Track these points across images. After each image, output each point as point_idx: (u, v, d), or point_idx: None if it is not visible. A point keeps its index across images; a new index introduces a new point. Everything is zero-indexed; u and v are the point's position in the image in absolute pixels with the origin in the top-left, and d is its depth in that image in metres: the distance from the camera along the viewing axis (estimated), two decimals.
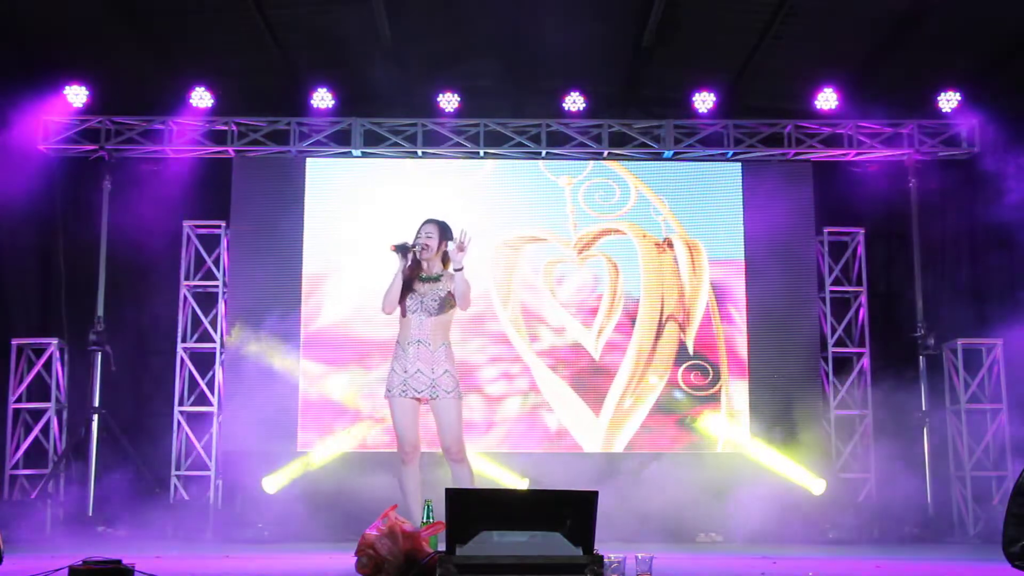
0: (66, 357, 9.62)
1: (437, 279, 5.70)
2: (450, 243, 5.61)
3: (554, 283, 9.77)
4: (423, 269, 5.73)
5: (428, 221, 5.81)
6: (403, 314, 5.70)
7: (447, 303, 5.68)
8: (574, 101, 9.95)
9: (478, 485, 6.22)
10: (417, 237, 5.75)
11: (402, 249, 5.66)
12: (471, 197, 9.75)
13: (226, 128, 9.89)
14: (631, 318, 9.73)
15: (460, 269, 5.56)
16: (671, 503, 8.92)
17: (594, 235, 9.85)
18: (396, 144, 9.93)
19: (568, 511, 3.92)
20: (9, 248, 9.81)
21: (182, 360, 9.71)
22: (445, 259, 5.75)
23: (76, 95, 9.70)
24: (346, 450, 9.42)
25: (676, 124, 10.00)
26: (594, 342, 9.69)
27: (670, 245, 9.83)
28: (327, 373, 9.57)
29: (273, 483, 9.25)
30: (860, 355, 9.95)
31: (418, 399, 5.67)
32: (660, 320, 9.72)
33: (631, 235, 9.85)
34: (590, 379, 9.65)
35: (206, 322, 9.76)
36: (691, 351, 9.67)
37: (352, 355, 9.56)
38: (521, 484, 9.01)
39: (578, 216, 9.89)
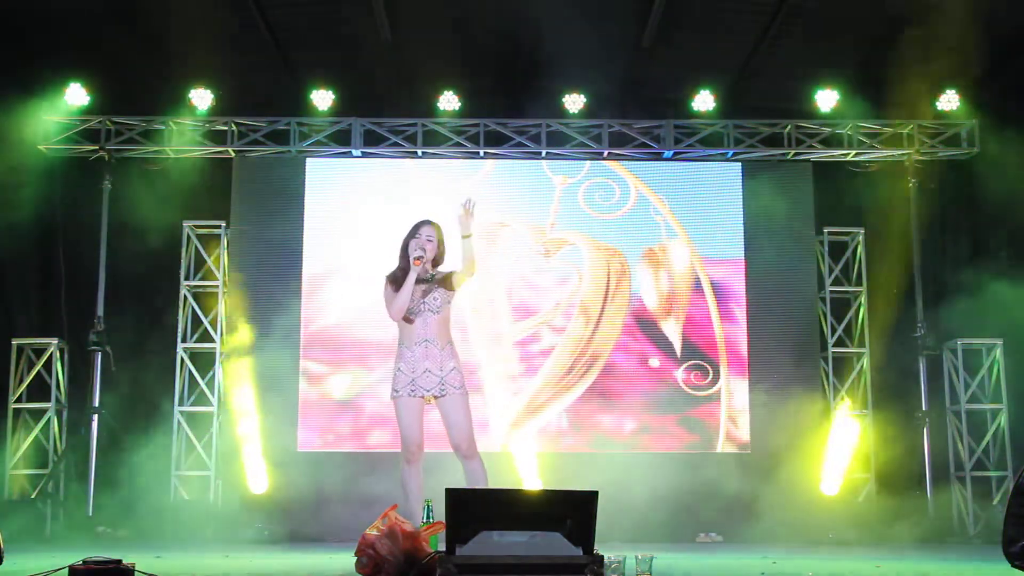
0: (66, 357, 9.63)
1: (433, 278, 5.71)
2: (460, 208, 5.59)
3: (514, 274, 9.75)
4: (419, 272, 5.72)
5: (427, 223, 5.78)
6: (408, 317, 5.69)
7: (448, 288, 5.69)
8: (574, 101, 9.95)
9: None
10: (415, 236, 5.72)
11: (421, 258, 5.63)
12: (471, 197, 9.72)
13: (226, 128, 9.89)
14: (563, 325, 9.71)
15: (469, 235, 5.56)
16: (671, 503, 8.93)
17: (563, 241, 9.83)
18: (396, 144, 9.93)
19: (568, 511, 3.92)
20: (9, 248, 9.81)
21: (182, 360, 9.71)
22: (435, 260, 5.76)
23: (76, 95, 9.71)
24: (344, 449, 9.43)
25: (676, 124, 10.00)
26: (514, 335, 9.67)
27: (657, 252, 9.82)
28: (327, 373, 9.58)
29: (271, 483, 9.24)
30: (860, 355, 9.95)
31: (424, 399, 5.67)
32: (591, 333, 9.69)
33: (581, 246, 9.81)
34: (506, 374, 9.62)
35: (206, 322, 9.76)
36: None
37: (352, 355, 9.56)
38: (535, 484, 9.00)
39: (560, 216, 9.86)
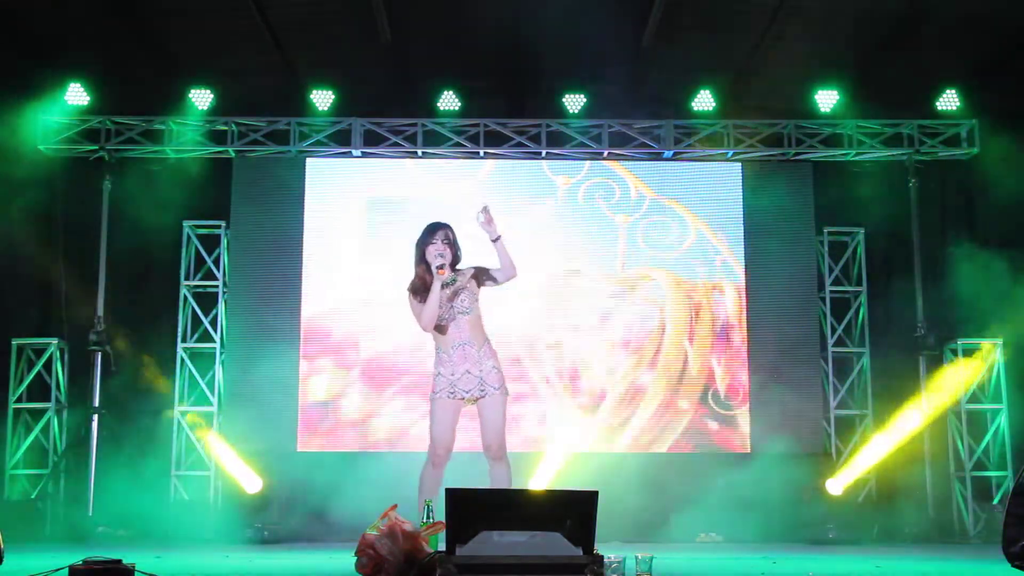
0: (66, 357, 9.63)
1: (456, 280, 5.69)
2: (480, 216, 5.57)
3: (597, 319, 9.69)
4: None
5: (440, 226, 5.71)
6: (440, 325, 5.65)
7: (476, 285, 5.67)
8: (574, 101, 9.95)
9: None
10: (431, 243, 5.65)
11: (444, 267, 5.59)
12: (471, 197, 9.72)
13: (226, 128, 9.89)
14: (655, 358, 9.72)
15: (499, 238, 5.54)
16: (671, 503, 8.92)
17: (640, 276, 9.76)
18: (396, 144, 9.92)
19: (568, 511, 3.92)
20: (9, 248, 9.80)
21: (182, 360, 9.71)
22: (453, 261, 5.73)
23: (76, 95, 9.70)
24: (344, 448, 9.43)
25: (676, 124, 9.99)
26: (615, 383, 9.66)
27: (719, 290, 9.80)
28: (327, 372, 9.56)
29: (270, 483, 9.23)
30: (860, 355, 9.94)
31: (463, 400, 5.65)
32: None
33: (663, 282, 9.75)
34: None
35: (206, 322, 9.76)
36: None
37: (353, 354, 9.55)
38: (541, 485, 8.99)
39: (628, 255, 9.80)
